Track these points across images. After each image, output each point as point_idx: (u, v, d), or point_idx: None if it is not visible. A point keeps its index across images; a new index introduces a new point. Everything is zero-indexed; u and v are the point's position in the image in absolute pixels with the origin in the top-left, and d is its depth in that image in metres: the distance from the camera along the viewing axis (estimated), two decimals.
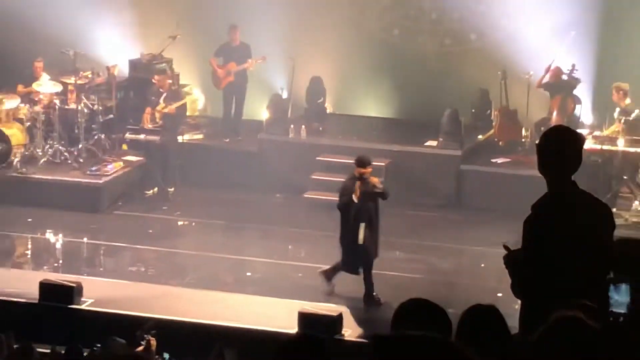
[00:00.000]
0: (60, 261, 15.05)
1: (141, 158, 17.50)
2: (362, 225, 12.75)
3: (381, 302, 12.75)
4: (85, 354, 9.51)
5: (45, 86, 17.47)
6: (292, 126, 18.21)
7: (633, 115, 15.97)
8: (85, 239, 15.57)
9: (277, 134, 18.00)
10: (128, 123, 17.83)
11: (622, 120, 15.93)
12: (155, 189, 17.25)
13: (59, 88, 17.53)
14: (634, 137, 15.82)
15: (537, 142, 6.14)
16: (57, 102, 17.34)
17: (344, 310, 12.12)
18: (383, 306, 12.58)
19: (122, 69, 18.62)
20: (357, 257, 12.89)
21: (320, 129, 18.41)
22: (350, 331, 11.86)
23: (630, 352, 5.04)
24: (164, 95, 17.35)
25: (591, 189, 7.04)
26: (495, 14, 18.41)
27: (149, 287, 13.37)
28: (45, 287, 12.33)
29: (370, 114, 19.28)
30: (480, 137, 18.17)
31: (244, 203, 16.74)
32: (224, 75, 18.36)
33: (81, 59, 18.14)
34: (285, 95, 18.61)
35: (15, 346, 9.85)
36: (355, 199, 12.72)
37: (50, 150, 17.25)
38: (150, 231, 15.87)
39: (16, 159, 16.86)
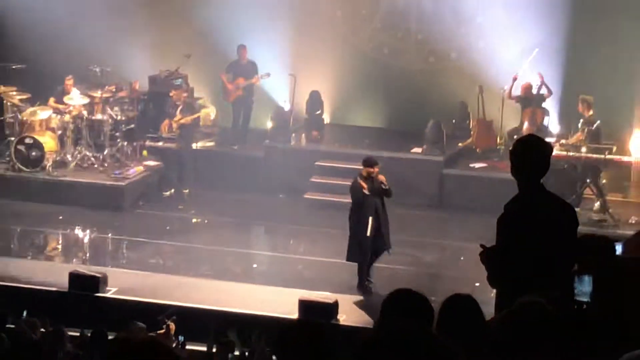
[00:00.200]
0: (88, 254, 15.04)
1: (159, 163, 17.49)
2: (370, 219, 12.69)
3: (372, 291, 12.70)
4: (109, 337, 9.52)
5: (75, 99, 17.49)
6: (293, 134, 18.25)
7: (595, 125, 15.96)
8: (110, 235, 15.54)
9: (280, 142, 17.98)
10: (148, 132, 17.83)
11: (585, 130, 15.94)
12: (172, 190, 17.25)
13: (86, 100, 17.53)
14: (596, 145, 15.85)
15: (510, 149, 6.15)
16: (84, 113, 17.32)
17: (340, 298, 12.13)
18: (373, 295, 12.54)
19: (143, 84, 18.60)
20: (365, 249, 12.74)
21: (319, 137, 18.40)
22: (345, 316, 11.87)
23: (591, 335, 5.07)
24: (180, 107, 17.41)
25: (558, 191, 7.07)
26: (473, 35, 18.44)
27: (166, 277, 13.36)
28: (74, 278, 12.34)
29: (363, 124, 19.25)
30: (460, 144, 18.15)
31: (250, 203, 16.71)
32: (233, 89, 18.35)
33: (106, 75, 18.17)
34: (287, 107, 18.58)
35: (48, 329, 9.87)
36: (366, 191, 12.64)
37: (78, 155, 17.25)
38: (168, 228, 15.85)
39: (49, 164, 16.84)
